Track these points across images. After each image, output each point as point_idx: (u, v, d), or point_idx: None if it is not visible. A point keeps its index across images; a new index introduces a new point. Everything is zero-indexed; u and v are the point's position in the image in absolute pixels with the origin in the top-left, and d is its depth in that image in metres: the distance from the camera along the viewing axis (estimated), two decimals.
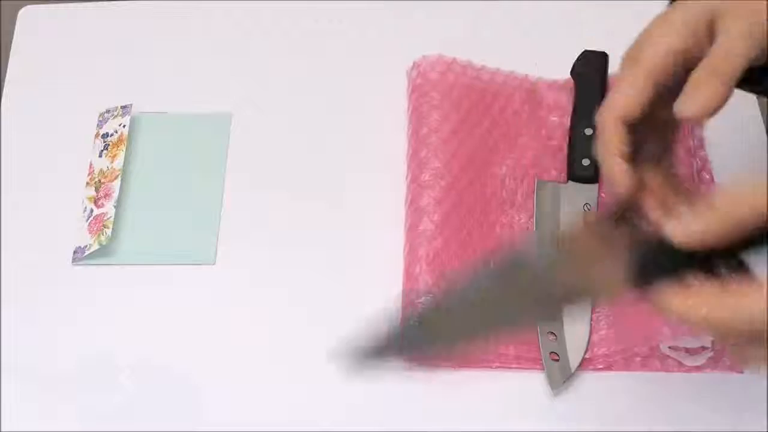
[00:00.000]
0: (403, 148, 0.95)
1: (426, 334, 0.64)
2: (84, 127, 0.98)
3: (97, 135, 0.97)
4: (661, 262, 0.56)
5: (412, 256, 0.87)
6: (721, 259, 0.56)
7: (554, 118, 0.95)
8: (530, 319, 0.68)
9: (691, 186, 0.62)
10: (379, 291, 0.87)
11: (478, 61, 0.99)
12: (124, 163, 0.94)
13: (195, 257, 0.91)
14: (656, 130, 0.63)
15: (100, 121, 0.98)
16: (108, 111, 0.98)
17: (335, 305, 0.88)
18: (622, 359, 0.83)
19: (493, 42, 1.02)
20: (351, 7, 1.06)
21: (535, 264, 0.60)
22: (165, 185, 0.95)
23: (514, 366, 0.83)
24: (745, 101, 0.96)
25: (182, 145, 0.98)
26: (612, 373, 0.83)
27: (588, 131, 0.92)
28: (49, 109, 1.01)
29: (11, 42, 1.05)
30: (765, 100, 0.99)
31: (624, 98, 0.61)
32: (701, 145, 0.94)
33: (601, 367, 0.83)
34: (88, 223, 0.91)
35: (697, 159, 0.93)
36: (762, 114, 0.97)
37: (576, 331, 0.83)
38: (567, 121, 0.94)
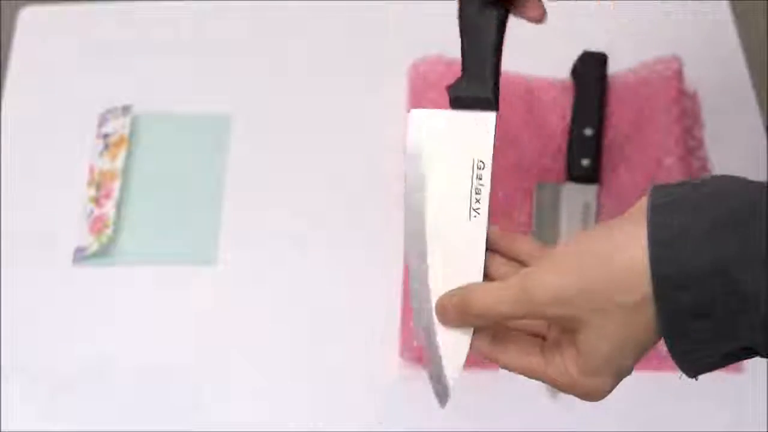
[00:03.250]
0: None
1: None
2: (84, 127, 0.98)
3: (97, 135, 0.97)
4: None
5: None
6: None
7: (554, 118, 0.95)
8: None
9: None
10: (379, 291, 0.87)
11: None
12: (125, 163, 0.94)
13: (195, 257, 0.91)
14: None
15: (100, 121, 0.98)
16: (108, 111, 0.98)
17: (335, 305, 0.88)
18: None
19: None
20: (351, 8, 1.06)
21: None
22: (165, 185, 0.95)
23: None
24: (744, 101, 0.96)
25: (182, 145, 0.98)
26: None
27: (588, 131, 0.92)
28: (49, 109, 1.01)
29: (11, 42, 1.05)
30: (765, 100, 0.99)
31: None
32: (701, 145, 0.94)
33: None
34: (88, 223, 0.91)
35: (697, 159, 0.93)
36: (762, 114, 0.97)
37: None
38: (567, 121, 0.94)
